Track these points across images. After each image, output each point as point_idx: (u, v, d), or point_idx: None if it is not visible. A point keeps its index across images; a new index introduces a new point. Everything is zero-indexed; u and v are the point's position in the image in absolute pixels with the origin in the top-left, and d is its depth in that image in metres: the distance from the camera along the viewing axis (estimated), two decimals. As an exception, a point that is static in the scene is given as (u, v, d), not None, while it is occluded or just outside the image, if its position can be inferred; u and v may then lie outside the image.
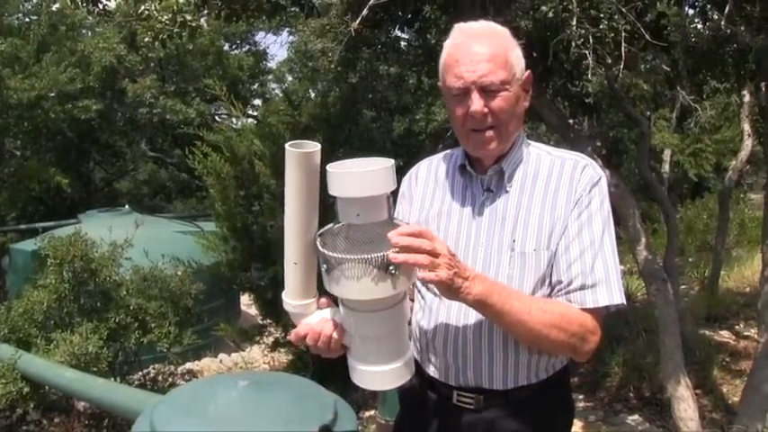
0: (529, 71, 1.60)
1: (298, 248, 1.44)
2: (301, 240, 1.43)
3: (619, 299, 1.53)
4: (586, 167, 1.60)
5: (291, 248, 1.45)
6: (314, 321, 1.50)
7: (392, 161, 1.36)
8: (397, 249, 1.30)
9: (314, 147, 1.37)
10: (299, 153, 1.36)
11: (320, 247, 1.37)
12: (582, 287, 1.52)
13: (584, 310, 1.52)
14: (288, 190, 1.41)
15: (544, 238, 1.56)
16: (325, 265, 1.37)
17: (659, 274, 4.31)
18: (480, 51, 1.52)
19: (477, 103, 1.53)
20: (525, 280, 1.56)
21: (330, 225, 1.44)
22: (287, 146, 1.36)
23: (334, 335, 1.47)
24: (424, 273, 1.34)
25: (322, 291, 1.48)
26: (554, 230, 1.56)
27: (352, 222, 1.37)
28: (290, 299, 1.51)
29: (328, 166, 1.35)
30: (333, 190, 1.34)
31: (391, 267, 1.31)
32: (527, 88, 1.62)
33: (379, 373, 1.45)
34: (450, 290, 1.37)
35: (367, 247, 1.34)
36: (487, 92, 1.52)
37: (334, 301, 1.49)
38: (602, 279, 1.52)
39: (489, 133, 1.57)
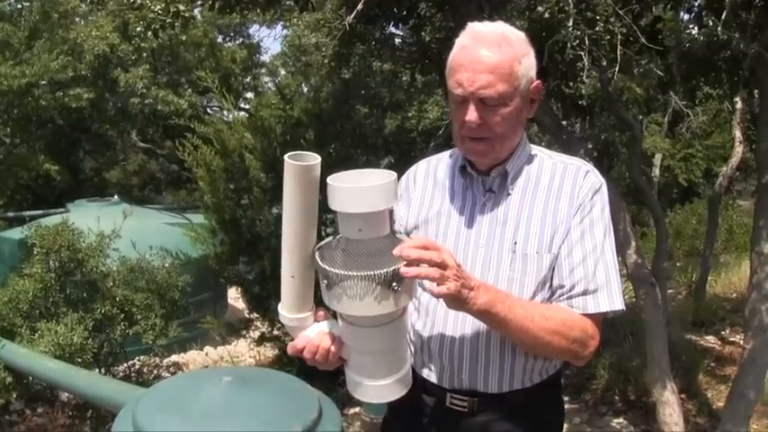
0: (538, 81, 1.57)
1: (295, 262, 1.39)
2: (299, 254, 1.38)
3: (619, 304, 1.53)
4: (588, 173, 1.60)
5: (289, 262, 1.40)
6: (312, 334, 1.46)
7: (394, 174, 1.32)
8: (405, 263, 1.27)
9: (314, 159, 1.32)
10: (299, 166, 1.31)
11: (320, 263, 1.33)
12: (584, 292, 1.52)
13: (585, 315, 1.52)
14: (286, 203, 1.36)
15: (546, 240, 1.55)
16: (325, 281, 1.32)
17: (648, 279, 4.31)
18: (484, 60, 1.48)
19: (471, 113, 1.50)
20: (526, 283, 1.54)
21: (329, 239, 1.40)
22: (286, 158, 1.31)
23: (332, 348, 1.44)
24: (433, 286, 1.32)
25: (319, 303, 1.45)
26: (556, 234, 1.55)
27: (352, 237, 1.32)
28: (287, 312, 1.46)
29: (329, 179, 1.30)
30: (334, 204, 1.29)
31: (394, 284, 1.28)
32: (535, 98, 1.59)
33: (378, 387, 1.43)
34: (456, 301, 1.36)
35: (367, 261, 1.30)
36: (486, 104, 1.50)
37: (332, 313, 1.45)
38: (603, 284, 1.52)
39: (483, 145, 1.55)
